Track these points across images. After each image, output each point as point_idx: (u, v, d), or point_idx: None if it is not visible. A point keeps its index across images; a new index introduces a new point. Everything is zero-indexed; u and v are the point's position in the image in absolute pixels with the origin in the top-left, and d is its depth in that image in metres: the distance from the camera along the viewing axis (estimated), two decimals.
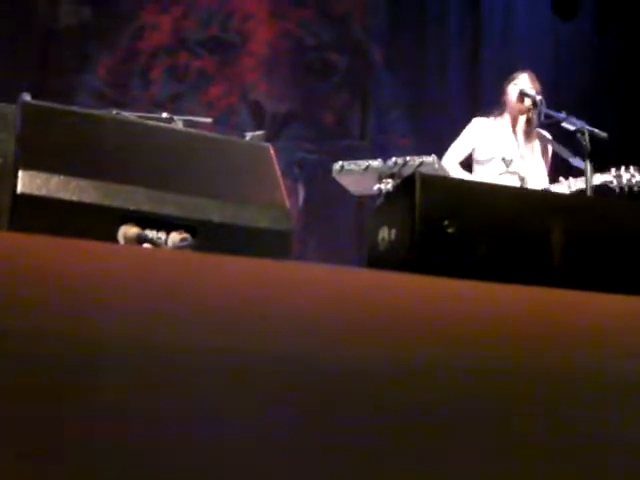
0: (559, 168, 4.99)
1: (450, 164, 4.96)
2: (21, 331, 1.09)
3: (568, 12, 8.57)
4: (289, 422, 1.07)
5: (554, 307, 1.69)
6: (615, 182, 4.68)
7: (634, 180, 4.67)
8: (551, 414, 1.25)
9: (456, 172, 4.96)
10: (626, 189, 4.67)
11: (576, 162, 4.59)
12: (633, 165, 4.73)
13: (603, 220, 2.27)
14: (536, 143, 5.01)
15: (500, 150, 4.94)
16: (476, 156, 5.01)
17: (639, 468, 1.10)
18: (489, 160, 4.94)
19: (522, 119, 5.01)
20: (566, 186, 4.71)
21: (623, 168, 4.70)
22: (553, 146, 4.99)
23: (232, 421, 1.04)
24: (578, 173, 4.65)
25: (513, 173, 4.90)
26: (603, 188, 4.69)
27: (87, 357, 1.09)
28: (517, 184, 4.85)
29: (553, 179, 4.95)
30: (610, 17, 8.50)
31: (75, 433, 0.92)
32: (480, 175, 4.93)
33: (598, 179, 4.66)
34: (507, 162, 4.92)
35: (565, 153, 4.75)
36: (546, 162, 5.04)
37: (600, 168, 4.65)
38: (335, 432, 1.06)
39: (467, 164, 5.11)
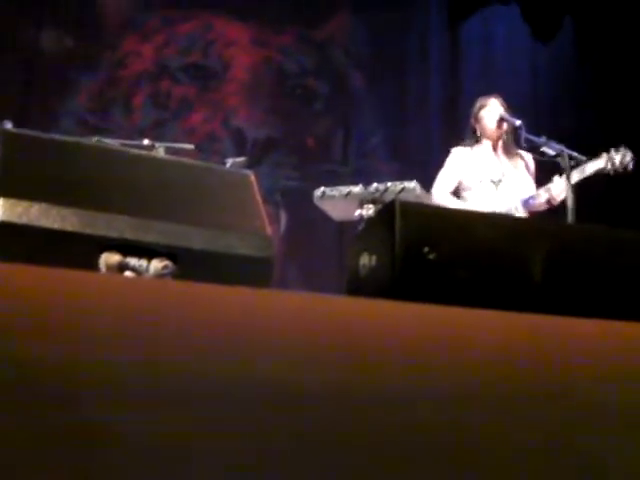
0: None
1: (442, 195, 4.96)
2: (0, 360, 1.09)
3: (547, 35, 8.63)
4: (267, 449, 1.07)
5: (535, 332, 1.69)
6: (609, 166, 4.68)
7: (627, 159, 4.68)
8: (534, 437, 1.26)
9: (450, 202, 4.96)
10: (620, 170, 4.67)
11: (552, 146, 4.61)
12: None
13: (583, 245, 2.28)
14: (519, 161, 5.05)
15: (487, 174, 4.96)
16: (464, 184, 5.02)
17: None
18: (478, 184, 4.96)
19: (500, 141, 5.05)
20: (562, 182, 4.70)
21: (613, 150, 4.70)
22: (533, 156, 5.01)
23: (216, 448, 1.04)
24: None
25: (503, 193, 4.91)
26: (599, 176, 4.70)
27: (67, 386, 1.09)
28: (510, 201, 4.87)
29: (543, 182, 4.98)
30: (590, 41, 8.57)
31: (69, 465, 0.92)
32: (471, 201, 4.94)
33: (592, 167, 4.66)
34: (496, 183, 4.94)
35: (541, 142, 4.75)
36: (532, 176, 5.07)
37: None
38: (316, 459, 1.06)
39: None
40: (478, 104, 5.10)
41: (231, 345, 1.33)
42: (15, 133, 2.51)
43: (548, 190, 4.82)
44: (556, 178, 4.77)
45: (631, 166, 4.69)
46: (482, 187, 4.94)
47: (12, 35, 7.24)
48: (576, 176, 4.64)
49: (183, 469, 0.99)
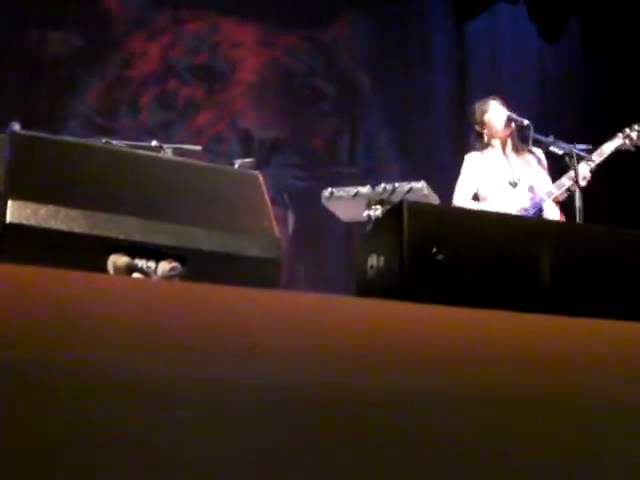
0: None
1: (465, 202, 4.94)
2: (7, 361, 1.09)
3: (554, 36, 8.62)
4: (277, 451, 1.07)
5: (543, 332, 1.69)
6: (627, 142, 4.71)
7: None
8: (542, 439, 1.25)
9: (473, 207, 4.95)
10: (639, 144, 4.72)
11: (561, 146, 4.62)
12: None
13: (591, 246, 2.28)
14: (530, 157, 5.03)
15: (503, 176, 4.95)
16: (482, 190, 4.99)
17: None
18: (496, 189, 4.94)
19: (509, 141, 5.04)
20: (584, 167, 4.69)
21: (627, 128, 4.73)
22: (542, 149, 5.00)
23: (220, 450, 1.04)
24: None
25: (521, 193, 4.89)
26: (618, 153, 4.72)
27: (75, 387, 1.09)
28: (526, 195, 4.85)
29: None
30: (596, 40, 8.56)
31: (69, 469, 0.92)
32: (491, 204, 4.91)
33: (610, 146, 4.69)
34: (513, 184, 4.92)
35: (548, 141, 4.76)
36: (545, 170, 5.05)
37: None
38: (322, 461, 1.06)
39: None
40: (478, 110, 5.08)
41: (239, 345, 1.33)
42: (24, 135, 2.52)
43: (570, 177, 4.78)
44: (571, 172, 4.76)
45: None
46: (501, 191, 4.93)
47: (18, 36, 7.25)
48: (596, 158, 4.64)
49: (186, 470, 0.99)
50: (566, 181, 4.81)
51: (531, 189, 4.91)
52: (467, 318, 1.67)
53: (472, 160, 5.08)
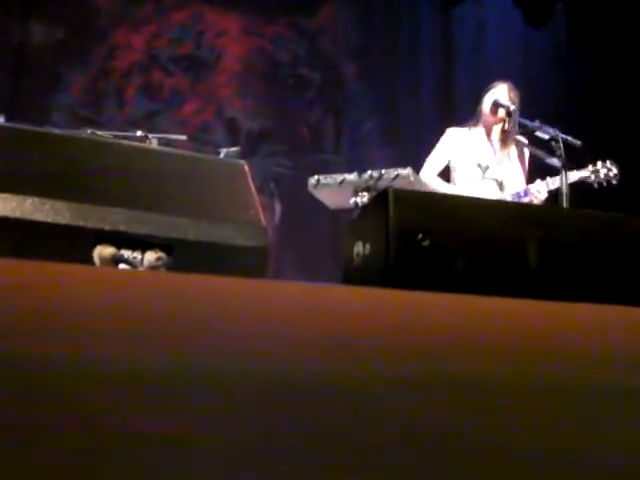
0: (537, 169, 5.00)
1: (429, 176, 4.97)
2: None
3: (540, 20, 8.63)
4: (263, 440, 1.07)
5: (531, 318, 1.70)
6: (593, 177, 4.73)
7: (611, 174, 4.73)
8: (529, 426, 1.26)
9: (436, 183, 4.97)
10: (604, 184, 4.73)
11: (553, 161, 4.62)
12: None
13: (578, 231, 2.28)
14: (512, 149, 5.03)
15: (475, 157, 4.96)
16: (452, 165, 5.03)
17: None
18: (465, 168, 4.96)
19: (497, 127, 5.03)
20: (545, 185, 4.73)
21: (600, 163, 4.74)
22: (529, 149, 5.01)
23: (205, 439, 1.04)
24: (555, 172, 4.67)
25: (490, 179, 4.91)
26: (581, 184, 4.73)
27: (62, 381, 1.09)
28: (495, 190, 4.87)
29: (531, 179, 4.97)
30: (582, 25, 8.57)
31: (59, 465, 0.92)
32: (457, 183, 4.95)
33: (575, 175, 4.70)
34: (483, 168, 4.94)
35: (541, 154, 4.77)
36: (523, 166, 5.05)
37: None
38: (311, 451, 1.06)
39: (445, 175, 5.12)
40: (485, 89, 5.08)
41: (226, 336, 1.33)
42: (7, 127, 2.51)
43: (527, 190, 4.83)
44: (538, 182, 4.79)
45: (615, 181, 4.75)
46: (468, 170, 4.95)
47: (0, 28, 7.21)
48: (558, 183, 4.66)
49: (183, 465, 0.99)
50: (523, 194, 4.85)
51: (500, 184, 4.93)
52: (454, 304, 1.67)
53: (450, 135, 5.09)
